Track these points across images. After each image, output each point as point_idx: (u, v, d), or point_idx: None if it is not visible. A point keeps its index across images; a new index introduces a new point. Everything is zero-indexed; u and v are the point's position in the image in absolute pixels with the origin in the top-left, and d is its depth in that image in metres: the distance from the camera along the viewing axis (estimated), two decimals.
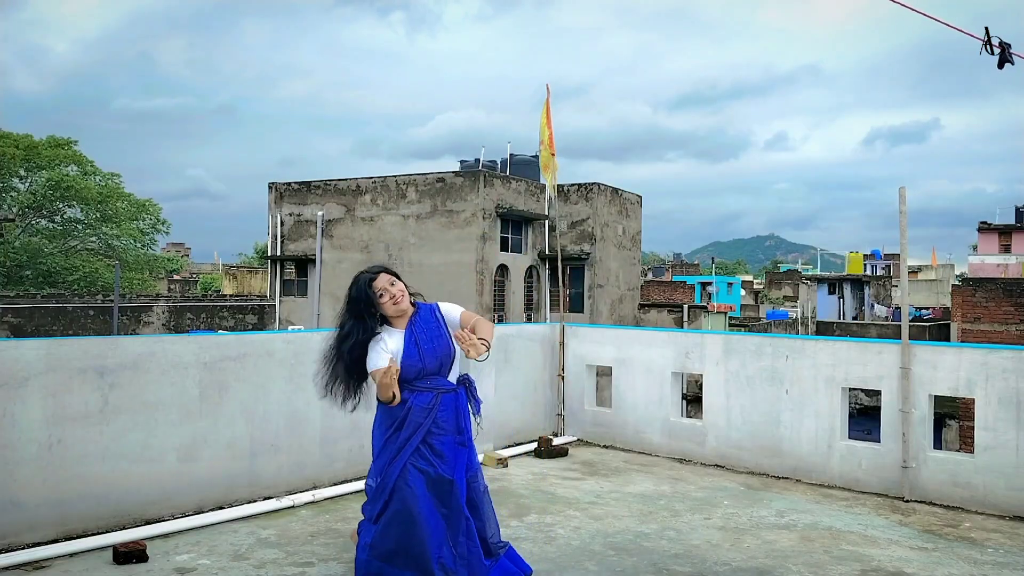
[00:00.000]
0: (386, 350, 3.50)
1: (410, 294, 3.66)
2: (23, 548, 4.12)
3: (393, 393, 3.41)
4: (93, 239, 41.17)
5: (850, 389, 6.08)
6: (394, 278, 3.61)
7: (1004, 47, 5.34)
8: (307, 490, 5.35)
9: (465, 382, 3.69)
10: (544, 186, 24.91)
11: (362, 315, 3.54)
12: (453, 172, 24.53)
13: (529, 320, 24.58)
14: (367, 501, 3.66)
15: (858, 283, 44.84)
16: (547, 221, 25.80)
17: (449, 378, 3.62)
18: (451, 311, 3.66)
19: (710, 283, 46.24)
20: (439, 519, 3.48)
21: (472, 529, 3.55)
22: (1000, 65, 5.38)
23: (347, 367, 3.58)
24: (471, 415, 3.69)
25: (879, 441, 5.81)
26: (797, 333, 31.87)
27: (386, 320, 3.61)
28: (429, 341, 3.56)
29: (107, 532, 4.40)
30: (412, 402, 3.52)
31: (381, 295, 3.53)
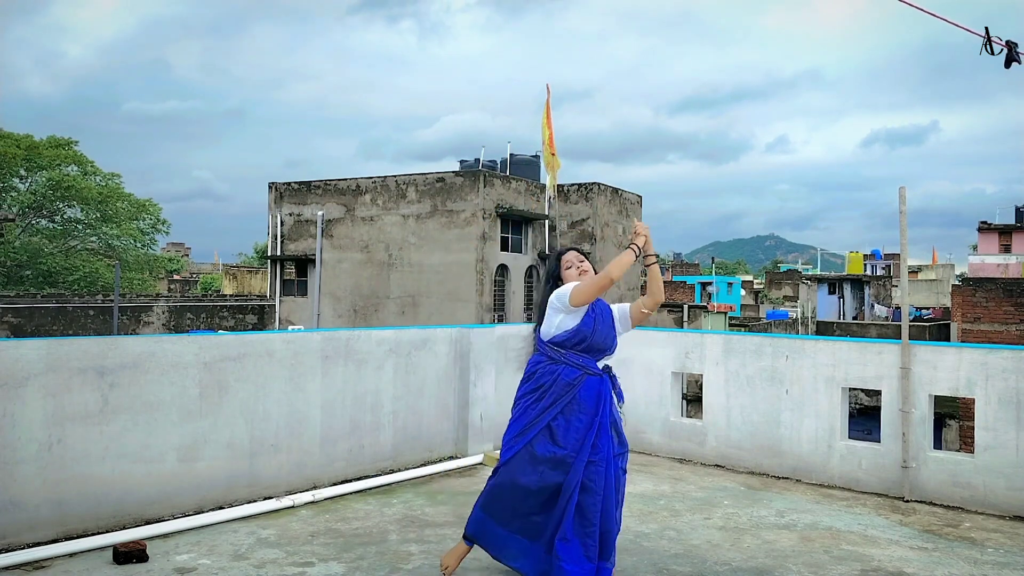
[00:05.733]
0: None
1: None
2: (23, 548, 4.12)
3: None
4: (93, 239, 41.18)
5: (850, 389, 6.09)
6: (584, 257, 3.93)
7: (1011, 46, 5.33)
8: (307, 490, 5.35)
9: (609, 370, 3.87)
10: (544, 186, 24.93)
11: (553, 283, 3.94)
12: (453, 172, 24.53)
13: (530, 320, 24.58)
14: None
15: (858, 283, 44.84)
16: (547, 221, 25.81)
17: (599, 364, 3.82)
18: (622, 307, 3.92)
19: (710, 283, 46.25)
20: (548, 491, 3.64)
21: (569, 510, 3.59)
22: (1007, 64, 5.35)
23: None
24: (615, 401, 3.85)
25: (879, 441, 5.81)
26: (797, 333, 31.87)
27: None
28: (604, 323, 3.80)
29: (107, 532, 4.39)
30: (560, 374, 3.72)
31: (569, 266, 3.89)
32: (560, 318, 3.76)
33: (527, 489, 3.65)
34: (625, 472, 3.84)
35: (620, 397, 3.90)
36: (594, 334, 3.74)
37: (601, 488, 3.62)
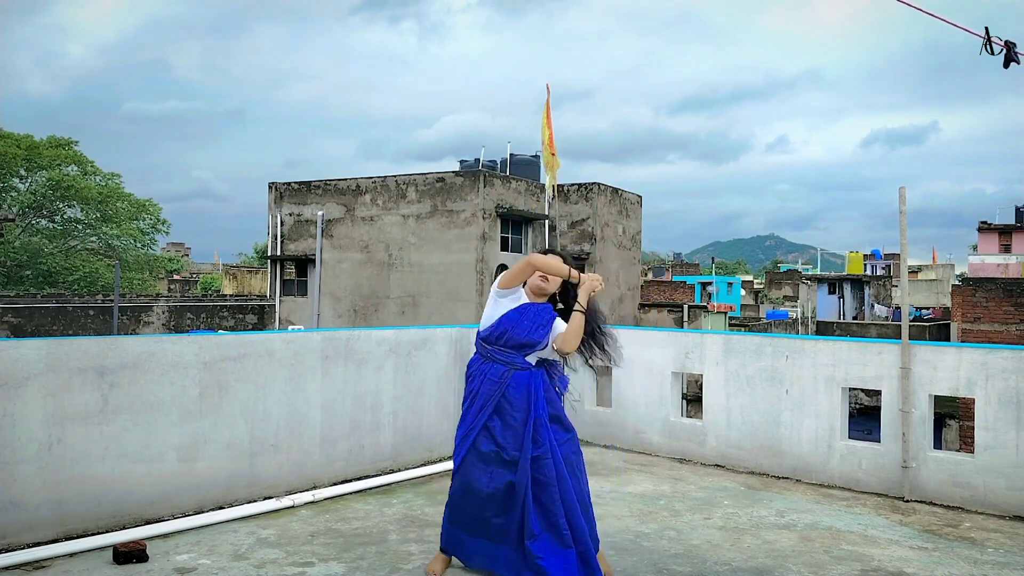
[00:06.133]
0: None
1: (560, 303, 3.91)
2: (23, 548, 4.12)
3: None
4: (93, 239, 41.18)
5: (850, 389, 6.08)
6: (561, 267, 3.81)
7: (1009, 46, 5.33)
8: (307, 490, 5.35)
9: (546, 363, 3.84)
10: (544, 186, 24.92)
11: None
12: (453, 172, 24.52)
13: None
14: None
15: (858, 283, 44.83)
16: (547, 221, 25.80)
17: (528, 358, 3.79)
18: (559, 326, 3.83)
19: (710, 283, 46.22)
20: (501, 492, 3.66)
21: (528, 508, 3.61)
22: (1006, 64, 5.35)
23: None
24: (556, 393, 3.83)
25: (879, 441, 5.81)
26: (797, 333, 31.86)
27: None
28: (531, 321, 3.75)
29: (107, 532, 4.40)
30: (488, 373, 3.76)
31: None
32: (490, 308, 3.82)
33: (480, 492, 3.70)
34: (577, 454, 3.85)
35: (563, 385, 3.88)
36: (515, 328, 3.74)
37: (553, 478, 3.65)
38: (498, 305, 3.81)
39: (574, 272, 3.74)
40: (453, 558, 4.01)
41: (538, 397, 3.73)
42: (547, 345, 3.79)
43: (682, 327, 27.87)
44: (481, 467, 3.72)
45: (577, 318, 3.71)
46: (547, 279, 3.80)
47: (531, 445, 3.66)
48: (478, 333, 3.90)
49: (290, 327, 24.49)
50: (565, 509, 3.64)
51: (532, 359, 3.80)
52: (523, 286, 3.86)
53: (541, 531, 3.60)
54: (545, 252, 3.94)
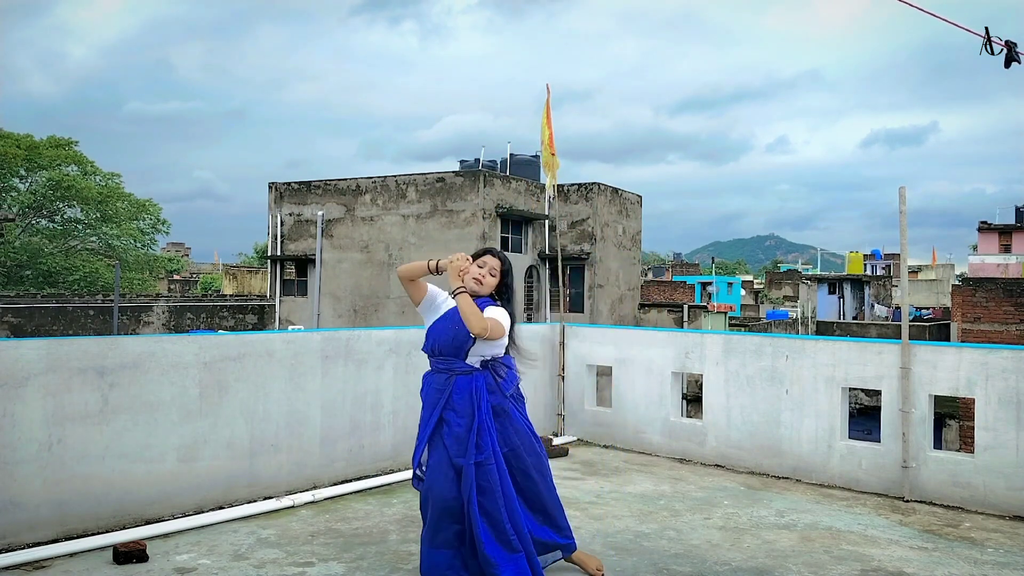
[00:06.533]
0: (430, 307, 3.82)
1: (499, 298, 3.82)
2: (23, 548, 4.12)
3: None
4: (93, 239, 41.21)
5: (850, 389, 6.09)
6: (493, 266, 3.77)
7: (1011, 46, 5.33)
8: (307, 490, 5.35)
9: (490, 363, 3.73)
10: (544, 185, 24.90)
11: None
12: (453, 172, 24.53)
13: (529, 320, 24.57)
14: None
15: (858, 283, 44.85)
16: (547, 221, 25.80)
17: (468, 361, 3.69)
18: (491, 310, 3.71)
19: (710, 283, 46.22)
20: (454, 500, 3.59)
21: (474, 516, 3.55)
22: (1007, 64, 5.35)
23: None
24: (502, 394, 3.73)
25: (879, 441, 5.81)
26: (797, 333, 31.86)
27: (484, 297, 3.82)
28: (457, 321, 3.64)
29: (107, 532, 4.40)
30: (432, 382, 3.72)
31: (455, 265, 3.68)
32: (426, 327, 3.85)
33: (437, 501, 3.61)
34: (535, 455, 3.79)
35: (508, 384, 3.77)
36: (439, 335, 3.71)
37: (497, 485, 3.59)
38: (426, 321, 3.81)
39: (431, 263, 3.71)
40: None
41: (481, 400, 3.65)
42: (470, 340, 3.71)
43: (682, 327, 27.88)
44: (434, 476, 3.64)
45: (459, 300, 3.58)
46: (481, 282, 3.73)
47: (475, 450, 3.59)
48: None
49: (290, 327, 24.49)
50: (508, 514, 3.59)
51: (474, 360, 3.70)
52: (450, 294, 3.78)
53: (489, 539, 3.54)
54: (482, 252, 3.85)
